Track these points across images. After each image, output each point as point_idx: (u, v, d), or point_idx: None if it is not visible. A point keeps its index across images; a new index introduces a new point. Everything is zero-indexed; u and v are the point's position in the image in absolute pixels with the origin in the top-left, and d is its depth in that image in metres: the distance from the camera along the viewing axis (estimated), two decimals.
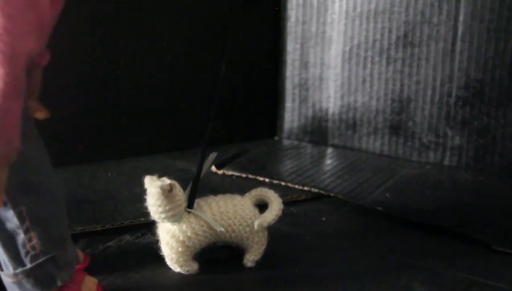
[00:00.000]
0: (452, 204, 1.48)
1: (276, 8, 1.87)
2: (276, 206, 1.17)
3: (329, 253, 1.26)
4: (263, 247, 1.18)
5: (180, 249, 1.13)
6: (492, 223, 1.38)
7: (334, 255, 1.25)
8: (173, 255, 1.13)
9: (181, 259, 1.14)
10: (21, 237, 0.95)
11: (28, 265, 0.96)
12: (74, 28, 1.56)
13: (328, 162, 1.78)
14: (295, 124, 1.92)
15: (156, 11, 1.70)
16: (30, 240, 0.95)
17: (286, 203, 1.46)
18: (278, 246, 1.27)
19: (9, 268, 0.97)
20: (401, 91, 1.75)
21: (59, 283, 0.99)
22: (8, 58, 0.79)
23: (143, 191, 1.11)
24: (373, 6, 1.74)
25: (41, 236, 0.96)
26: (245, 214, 1.15)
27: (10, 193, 0.91)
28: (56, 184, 1.00)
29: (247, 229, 1.15)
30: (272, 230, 1.33)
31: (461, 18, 1.64)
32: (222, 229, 1.14)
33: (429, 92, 1.72)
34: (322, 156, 1.81)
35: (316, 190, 1.53)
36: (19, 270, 0.96)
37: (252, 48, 1.87)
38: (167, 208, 1.09)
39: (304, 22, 1.85)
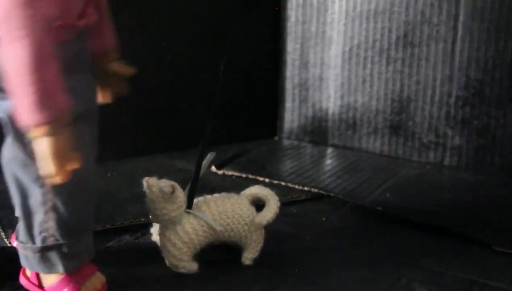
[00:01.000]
0: (452, 204, 1.48)
1: (276, 8, 1.87)
2: (273, 204, 1.18)
3: (329, 253, 1.26)
4: (261, 245, 1.19)
5: (181, 250, 1.13)
6: (492, 223, 1.38)
7: (334, 255, 1.25)
8: (174, 256, 1.13)
9: (181, 259, 1.14)
10: (40, 215, 0.97)
11: (38, 244, 0.99)
12: None
13: (328, 162, 1.78)
14: (295, 124, 1.92)
15: (156, 11, 1.70)
16: (47, 221, 0.97)
17: (286, 203, 1.46)
18: (278, 246, 1.27)
19: (23, 239, 1.00)
20: (401, 91, 1.75)
21: (61, 271, 1.00)
22: (25, 27, 0.80)
23: (143, 191, 1.12)
24: (373, 6, 1.74)
25: (58, 221, 0.97)
26: (243, 213, 1.16)
27: (41, 175, 0.91)
28: (90, 175, 1.00)
29: (245, 227, 1.16)
30: (272, 230, 1.33)
31: (461, 18, 1.64)
32: (222, 228, 1.14)
33: (429, 92, 1.72)
34: (322, 156, 1.81)
35: (316, 190, 1.53)
36: (29, 244, 0.99)
37: (252, 48, 1.87)
38: (169, 210, 1.09)
39: (304, 22, 1.85)
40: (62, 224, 0.97)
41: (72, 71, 0.93)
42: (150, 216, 1.13)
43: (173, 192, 1.08)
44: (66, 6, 0.89)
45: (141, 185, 1.08)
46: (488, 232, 1.32)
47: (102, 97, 1.12)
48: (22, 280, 1.05)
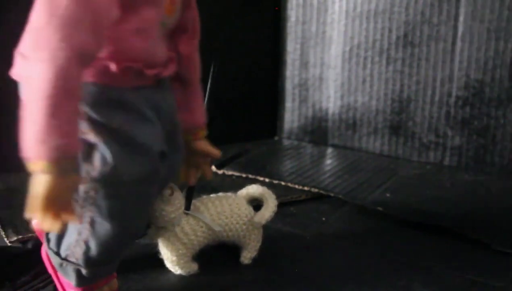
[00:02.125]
0: (452, 204, 1.48)
1: (276, 8, 1.87)
2: (271, 202, 1.19)
3: (329, 253, 1.26)
4: (259, 244, 1.20)
5: (180, 251, 1.13)
6: (492, 223, 1.38)
7: (334, 255, 1.25)
8: (174, 258, 1.13)
9: (181, 260, 1.14)
10: (71, 239, 0.94)
11: (60, 255, 0.96)
12: None
13: (328, 162, 1.78)
14: (295, 124, 1.92)
15: None
16: (75, 247, 0.94)
17: (286, 203, 1.46)
18: (278, 246, 1.27)
19: (51, 240, 0.97)
20: (401, 91, 1.75)
21: (73, 284, 0.97)
22: (51, 50, 0.73)
23: None
24: (373, 6, 1.74)
25: (85, 254, 0.94)
26: (241, 212, 1.17)
27: (85, 216, 0.89)
28: (132, 230, 0.95)
29: (244, 227, 1.17)
30: (272, 230, 1.33)
31: (461, 18, 1.64)
32: (221, 229, 1.15)
33: (429, 92, 1.72)
34: (322, 156, 1.81)
35: (316, 190, 1.53)
36: (52, 251, 0.97)
37: (252, 48, 1.87)
38: (168, 211, 1.08)
39: (304, 22, 1.85)
40: (88, 258, 0.94)
41: (145, 123, 0.87)
42: (149, 218, 1.12)
43: (172, 193, 1.07)
44: (126, 50, 0.83)
45: None
46: (488, 232, 1.32)
47: (184, 177, 1.09)
48: (43, 254, 1.01)
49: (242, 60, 1.86)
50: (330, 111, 1.86)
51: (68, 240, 0.95)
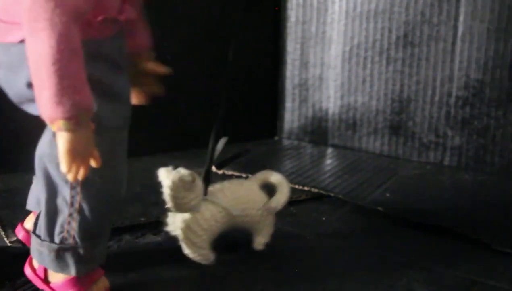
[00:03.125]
0: (452, 204, 1.48)
1: (276, 8, 1.87)
2: (285, 188, 1.21)
3: (329, 253, 1.26)
4: (272, 230, 1.22)
5: (201, 237, 1.14)
6: (492, 223, 1.38)
7: (334, 255, 1.25)
8: (194, 244, 1.14)
9: (201, 247, 1.15)
10: (64, 216, 0.97)
11: (56, 243, 0.98)
12: None
13: (328, 162, 1.78)
14: (295, 124, 1.92)
15: (156, 11, 1.70)
16: (69, 222, 0.97)
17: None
18: (278, 246, 1.27)
19: (40, 233, 0.99)
20: (401, 91, 1.75)
21: (73, 273, 0.99)
22: (48, 19, 0.78)
23: (143, 191, 1.11)
24: (373, 6, 1.74)
25: (81, 224, 0.97)
26: (257, 198, 1.19)
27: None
28: (122, 182, 0.99)
29: (259, 212, 1.19)
30: (272, 230, 1.33)
31: (461, 18, 1.64)
32: (239, 213, 1.16)
33: (429, 92, 1.72)
34: (322, 156, 1.81)
35: (316, 190, 1.53)
36: (47, 242, 0.98)
37: (252, 48, 1.86)
38: (190, 198, 1.10)
39: (304, 22, 1.85)
40: (84, 228, 0.97)
41: (119, 71, 0.93)
42: (170, 206, 1.12)
43: (193, 180, 1.09)
44: (101, 2, 0.87)
45: (141, 185, 1.09)
46: (488, 232, 1.32)
47: (136, 99, 1.11)
48: (28, 271, 1.04)
49: (242, 60, 1.86)
50: (330, 111, 1.86)
51: (61, 219, 0.97)
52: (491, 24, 1.61)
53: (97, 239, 1.00)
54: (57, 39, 0.78)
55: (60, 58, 0.79)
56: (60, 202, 0.96)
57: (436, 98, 1.71)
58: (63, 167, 0.85)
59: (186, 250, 1.15)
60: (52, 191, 0.96)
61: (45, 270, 1.02)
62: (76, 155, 0.84)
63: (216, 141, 1.19)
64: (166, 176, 1.10)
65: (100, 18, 0.88)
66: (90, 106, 0.84)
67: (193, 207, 1.12)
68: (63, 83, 0.80)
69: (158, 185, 1.14)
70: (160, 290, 1.12)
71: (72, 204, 0.95)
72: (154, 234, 1.29)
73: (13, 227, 1.22)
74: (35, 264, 1.04)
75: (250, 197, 1.18)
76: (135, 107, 1.71)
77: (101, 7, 0.87)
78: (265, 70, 1.91)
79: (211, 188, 1.18)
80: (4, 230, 1.25)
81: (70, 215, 0.96)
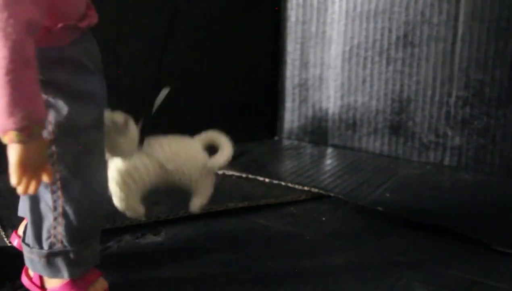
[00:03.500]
0: (452, 204, 1.48)
1: (276, 8, 1.87)
2: (226, 149, 1.16)
3: (329, 253, 1.26)
4: (210, 192, 1.16)
5: (130, 188, 1.08)
6: (492, 223, 1.38)
7: (334, 255, 1.25)
8: (123, 194, 1.09)
9: (130, 198, 1.09)
10: (49, 221, 0.97)
11: (45, 249, 0.98)
12: None
13: (328, 162, 1.78)
14: (295, 124, 1.92)
15: (156, 11, 1.70)
16: (55, 227, 0.97)
17: (286, 203, 1.46)
18: (278, 246, 1.27)
19: (29, 241, 0.99)
20: (401, 91, 1.75)
21: (66, 277, 0.99)
22: (3, 29, 0.77)
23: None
24: (373, 6, 1.74)
25: (67, 228, 0.97)
26: (196, 156, 1.13)
27: (54, 179, 0.92)
28: (103, 182, 1.00)
29: (197, 172, 1.13)
30: (272, 230, 1.33)
31: (461, 18, 1.64)
32: (174, 168, 1.11)
33: (429, 92, 1.72)
34: (322, 156, 1.81)
35: (316, 190, 1.53)
36: (36, 249, 0.99)
37: (252, 48, 1.86)
38: (121, 142, 1.04)
39: (304, 22, 1.85)
40: (71, 231, 0.97)
41: (88, 73, 0.93)
42: (106, 150, 1.05)
43: (126, 122, 1.04)
44: (62, 9, 0.88)
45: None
46: (488, 232, 1.32)
47: None
48: (24, 280, 1.05)
49: (242, 60, 1.86)
50: (330, 111, 1.86)
51: (46, 224, 0.97)
52: (491, 24, 1.61)
53: (87, 241, 1.00)
54: (10, 50, 0.77)
55: (13, 68, 0.78)
56: (43, 207, 0.96)
57: (436, 98, 1.71)
58: (13, 180, 0.83)
59: (116, 202, 1.10)
60: (34, 197, 0.96)
61: (41, 277, 1.03)
62: (28, 167, 0.83)
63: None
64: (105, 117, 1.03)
65: (59, 26, 0.88)
66: (43, 118, 0.83)
67: (125, 153, 1.05)
68: (15, 94, 0.78)
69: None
70: (160, 290, 1.12)
71: (55, 208, 0.96)
72: (154, 234, 1.29)
73: (13, 227, 1.22)
74: (30, 272, 1.04)
75: (189, 154, 1.12)
76: (135, 107, 1.72)
77: (61, 15, 0.88)
78: (265, 70, 1.91)
79: (150, 139, 1.13)
80: (4, 230, 1.25)
81: (55, 219, 0.96)
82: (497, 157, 1.67)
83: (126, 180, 1.08)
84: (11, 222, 1.25)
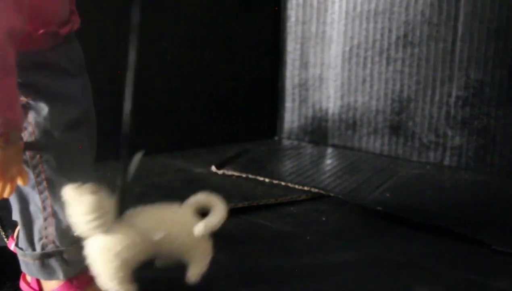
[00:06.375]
0: (452, 204, 1.48)
1: (276, 8, 1.87)
2: (220, 208, 1.01)
3: (329, 253, 1.26)
4: (209, 258, 1.03)
5: (117, 262, 0.96)
6: (492, 223, 1.38)
7: (334, 255, 1.25)
8: (110, 271, 0.96)
9: (118, 275, 0.97)
10: (39, 222, 0.97)
11: (38, 250, 0.98)
12: None
13: (328, 162, 1.78)
14: (295, 124, 1.92)
15: (156, 11, 1.70)
16: (46, 227, 0.97)
17: (286, 203, 1.46)
18: (278, 246, 1.27)
19: (22, 245, 0.99)
20: (401, 91, 1.75)
21: (61, 277, 0.99)
22: None
23: (143, 191, 1.11)
24: (373, 6, 1.74)
25: (57, 227, 0.97)
26: (186, 221, 1.00)
27: (40, 179, 0.93)
28: (89, 180, 0.99)
29: (190, 237, 1.00)
30: (272, 230, 1.33)
31: (461, 18, 1.64)
32: (161, 235, 0.97)
33: (429, 92, 1.72)
34: (322, 156, 1.81)
35: (316, 190, 1.53)
36: (29, 251, 0.99)
37: (252, 48, 1.87)
38: (98, 215, 0.92)
39: (304, 22, 1.85)
40: (62, 230, 0.97)
41: (68, 76, 0.94)
42: (80, 227, 0.93)
43: (93, 193, 0.92)
44: (42, 16, 0.88)
45: (141, 185, 1.08)
46: (488, 232, 1.32)
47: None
48: (23, 286, 1.05)
49: (242, 60, 1.86)
50: (330, 111, 1.86)
51: (37, 226, 0.97)
52: (491, 24, 1.61)
53: (79, 240, 0.98)
54: None
55: None
56: (33, 209, 0.97)
57: (436, 98, 1.71)
58: None
59: (102, 280, 0.97)
60: (23, 200, 0.97)
61: (38, 281, 1.03)
62: (4, 172, 0.85)
63: (126, 161, 1.04)
64: (75, 194, 0.92)
65: (41, 32, 0.88)
66: (21, 125, 0.84)
67: (103, 226, 0.93)
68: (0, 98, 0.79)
69: (158, 185, 1.14)
70: (160, 290, 1.12)
71: (44, 209, 0.96)
72: None
73: (13, 227, 1.22)
74: (28, 277, 1.04)
75: (177, 220, 0.99)
76: (135, 108, 1.72)
77: (42, 21, 0.88)
78: (265, 70, 1.91)
79: (132, 210, 1.00)
80: (4, 230, 1.25)
81: (45, 220, 0.96)
82: (497, 157, 1.67)
83: (112, 256, 0.95)
84: (11, 222, 1.25)
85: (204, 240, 1.01)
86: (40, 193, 0.95)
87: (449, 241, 1.30)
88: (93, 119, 1.02)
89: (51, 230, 0.97)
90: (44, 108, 0.90)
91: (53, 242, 0.97)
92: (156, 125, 1.76)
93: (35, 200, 0.96)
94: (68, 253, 0.99)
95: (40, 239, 0.98)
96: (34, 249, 0.98)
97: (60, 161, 0.94)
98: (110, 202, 0.95)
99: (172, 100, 1.77)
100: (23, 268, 1.02)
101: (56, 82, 0.92)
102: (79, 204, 0.91)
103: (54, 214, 0.96)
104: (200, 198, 1.02)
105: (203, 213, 1.02)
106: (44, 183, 0.94)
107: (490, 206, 1.47)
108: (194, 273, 1.03)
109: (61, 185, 0.94)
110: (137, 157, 1.02)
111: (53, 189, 0.95)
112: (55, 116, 0.92)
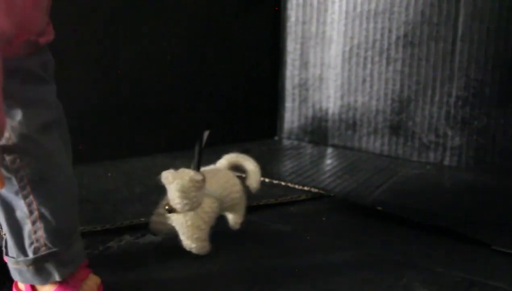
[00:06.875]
0: (452, 204, 1.48)
1: (276, 8, 1.87)
2: (253, 166, 1.29)
3: (329, 253, 1.26)
4: (245, 208, 1.29)
5: (204, 230, 1.18)
6: (492, 223, 1.38)
7: (334, 255, 1.25)
8: (197, 238, 1.17)
9: (203, 239, 1.18)
10: (28, 227, 0.96)
11: (30, 256, 0.98)
12: (73, 28, 1.56)
13: (328, 162, 1.78)
14: (295, 124, 1.92)
15: (156, 10, 1.70)
16: (36, 231, 0.97)
17: (286, 203, 1.46)
18: (278, 246, 1.27)
19: (13, 253, 0.99)
20: (401, 91, 1.75)
21: (57, 279, 0.99)
22: None
23: (143, 191, 1.12)
24: (373, 6, 1.74)
25: (47, 229, 0.97)
26: (235, 181, 1.25)
27: (23, 184, 0.93)
28: (70, 179, 1.01)
29: (240, 193, 1.25)
30: (272, 230, 1.33)
31: (461, 18, 1.64)
32: (227, 200, 1.23)
33: (429, 92, 1.72)
34: (322, 156, 1.81)
35: (316, 190, 1.53)
36: (21, 258, 0.98)
37: (252, 48, 1.87)
38: (199, 197, 1.15)
39: (304, 22, 1.85)
40: (52, 232, 0.97)
41: (42, 83, 0.95)
42: (178, 208, 1.15)
43: (204, 179, 1.14)
44: (25, 24, 0.89)
45: (141, 185, 1.09)
46: (488, 232, 1.32)
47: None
48: None
49: (242, 60, 1.86)
50: (330, 111, 1.86)
51: (26, 231, 0.97)
52: (491, 24, 1.61)
53: (69, 239, 1.00)
54: None
55: None
56: (19, 214, 0.96)
57: (436, 98, 1.71)
58: None
59: (191, 245, 1.18)
60: (8, 207, 0.96)
61: (32, 287, 1.02)
62: None
63: (201, 137, 1.21)
64: (173, 178, 1.13)
65: (22, 39, 0.89)
66: (4, 128, 0.85)
67: (200, 204, 1.16)
68: None
69: (158, 185, 1.14)
70: (160, 290, 1.12)
71: (31, 213, 0.96)
72: (154, 234, 1.29)
73: None
74: (21, 286, 1.03)
75: (229, 182, 1.24)
76: (135, 108, 1.72)
77: (24, 29, 0.89)
78: (265, 70, 1.91)
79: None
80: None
81: (34, 223, 0.96)
82: (497, 157, 1.67)
83: (199, 224, 1.17)
84: None
85: (244, 195, 1.27)
86: (25, 197, 0.95)
87: (449, 241, 1.30)
88: (65, 123, 1.04)
89: (41, 233, 0.97)
90: (18, 113, 0.91)
91: (45, 245, 0.97)
92: (156, 125, 1.76)
93: (20, 206, 0.95)
94: (61, 253, 0.99)
95: (31, 243, 0.97)
96: (26, 255, 0.98)
97: (40, 162, 0.94)
98: (198, 184, 1.14)
99: (172, 100, 1.77)
100: (16, 276, 1.01)
101: (30, 88, 0.93)
102: (174, 187, 1.12)
103: (42, 216, 0.96)
104: (232, 158, 1.29)
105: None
106: (28, 188, 0.94)
107: (490, 206, 1.47)
108: (237, 222, 1.28)
109: (44, 187, 0.95)
110: (206, 134, 1.20)
111: (37, 192, 0.95)
112: (29, 121, 0.92)
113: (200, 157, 1.19)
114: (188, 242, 1.17)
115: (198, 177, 1.14)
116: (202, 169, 1.21)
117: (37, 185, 0.94)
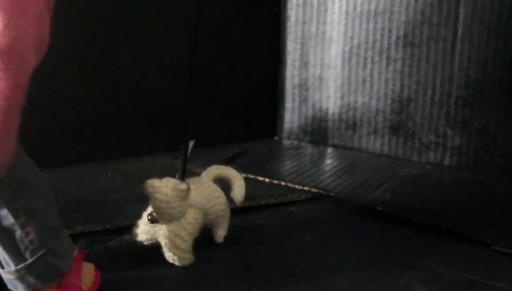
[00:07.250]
0: (452, 204, 1.48)
1: (276, 8, 1.87)
2: (238, 178, 1.27)
3: (329, 253, 1.26)
4: (230, 222, 1.27)
5: (187, 242, 1.16)
6: (492, 223, 1.38)
7: (334, 255, 1.25)
8: (181, 249, 1.16)
9: (186, 251, 1.16)
10: (18, 233, 0.96)
11: (29, 260, 0.97)
12: (73, 28, 1.56)
13: (328, 162, 1.78)
14: (295, 124, 1.92)
15: (156, 10, 1.70)
16: (27, 234, 0.97)
17: (286, 203, 1.46)
18: (278, 246, 1.27)
19: (10, 265, 0.98)
20: (401, 91, 1.75)
21: (65, 271, 1.00)
22: (16, 74, 0.79)
23: (143, 191, 1.11)
24: (373, 6, 1.74)
25: (37, 229, 0.97)
26: (219, 196, 1.23)
27: (3, 192, 0.92)
28: (42, 177, 1.01)
29: (221, 207, 1.23)
30: (272, 230, 1.33)
31: (461, 18, 1.64)
32: (210, 211, 1.20)
33: (429, 92, 1.72)
34: (322, 156, 1.81)
35: (316, 190, 1.53)
36: (21, 265, 0.98)
37: (252, 48, 1.87)
38: (183, 206, 1.13)
39: (304, 22, 1.85)
40: (42, 230, 0.97)
41: None
42: (159, 217, 1.13)
43: (189, 188, 1.13)
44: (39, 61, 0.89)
45: (141, 185, 1.08)
46: (488, 232, 1.32)
47: None
48: None
49: (242, 60, 1.86)
50: (330, 111, 1.86)
51: (18, 237, 0.96)
52: (491, 24, 1.61)
53: (58, 233, 1.01)
54: (17, 92, 0.80)
55: (15, 110, 0.80)
56: (7, 223, 0.96)
57: (436, 98, 1.71)
58: None
59: (173, 257, 1.16)
60: None
61: None
62: None
63: (186, 146, 1.21)
64: (157, 187, 1.11)
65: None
66: (10, 159, 0.84)
67: (183, 214, 1.14)
68: (10, 133, 0.81)
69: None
70: (160, 289, 1.12)
71: (18, 217, 0.95)
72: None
73: None
74: None
75: (214, 194, 1.22)
76: (135, 108, 1.72)
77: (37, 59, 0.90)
78: (265, 70, 1.91)
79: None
80: None
81: (23, 228, 0.96)
82: (497, 157, 1.67)
83: (182, 235, 1.15)
84: None
85: (228, 208, 1.25)
86: (8, 203, 0.94)
87: (449, 241, 1.30)
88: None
89: (33, 234, 0.97)
90: None
91: (40, 244, 0.97)
92: (156, 125, 1.76)
93: (4, 214, 0.94)
94: (58, 248, 0.99)
95: (26, 248, 0.97)
96: (25, 260, 0.97)
97: (16, 170, 0.92)
98: (182, 193, 1.12)
99: (172, 100, 1.77)
100: (19, 286, 0.99)
101: None
102: (159, 196, 1.10)
103: (29, 218, 0.96)
104: (216, 170, 1.27)
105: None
106: (10, 195, 0.94)
107: (490, 206, 1.47)
108: (221, 235, 1.25)
109: (24, 191, 0.95)
110: (191, 144, 1.22)
111: (19, 198, 0.94)
112: None
113: (185, 166, 1.18)
114: (170, 253, 1.16)
115: (183, 186, 1.12)
116: (186, 180, 1.19)
117: (17, 189, 0.93)
